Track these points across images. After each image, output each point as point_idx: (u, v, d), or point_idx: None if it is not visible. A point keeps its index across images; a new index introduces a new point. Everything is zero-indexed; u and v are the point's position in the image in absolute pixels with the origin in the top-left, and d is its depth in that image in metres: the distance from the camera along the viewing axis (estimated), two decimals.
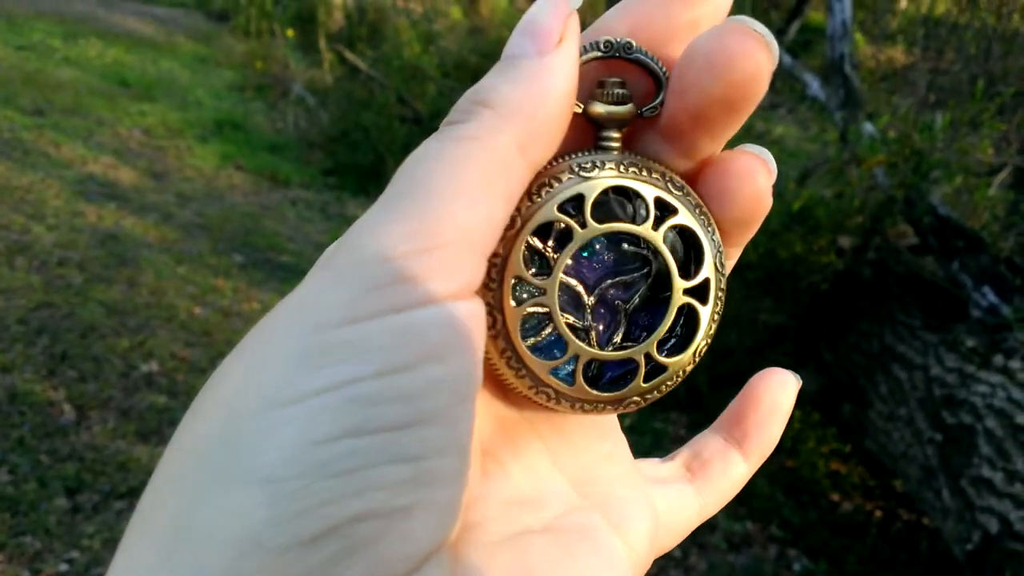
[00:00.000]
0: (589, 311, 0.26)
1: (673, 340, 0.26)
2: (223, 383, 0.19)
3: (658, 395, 0.27)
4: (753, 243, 2.97)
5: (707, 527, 2.54)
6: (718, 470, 0.30)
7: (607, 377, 0.26)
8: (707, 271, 0.25)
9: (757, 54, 0.21)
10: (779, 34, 5.68)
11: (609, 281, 0.26)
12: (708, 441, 0.31)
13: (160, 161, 4.57)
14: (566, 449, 0.28)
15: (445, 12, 8.20)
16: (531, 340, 0.25)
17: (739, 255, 0.28)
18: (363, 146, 5.63)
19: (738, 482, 0.30)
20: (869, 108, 3.56)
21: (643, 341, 0.26)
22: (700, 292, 0.26)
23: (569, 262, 0.25)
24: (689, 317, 0.26)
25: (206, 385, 0.20)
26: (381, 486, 0.18)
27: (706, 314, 0.26)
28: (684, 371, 0.27)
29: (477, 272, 0.21)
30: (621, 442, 0.30)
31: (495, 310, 0.24)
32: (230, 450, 0.18)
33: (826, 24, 3.89)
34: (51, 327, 2.49)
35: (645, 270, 0.26)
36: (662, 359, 0.26)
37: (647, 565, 0.27)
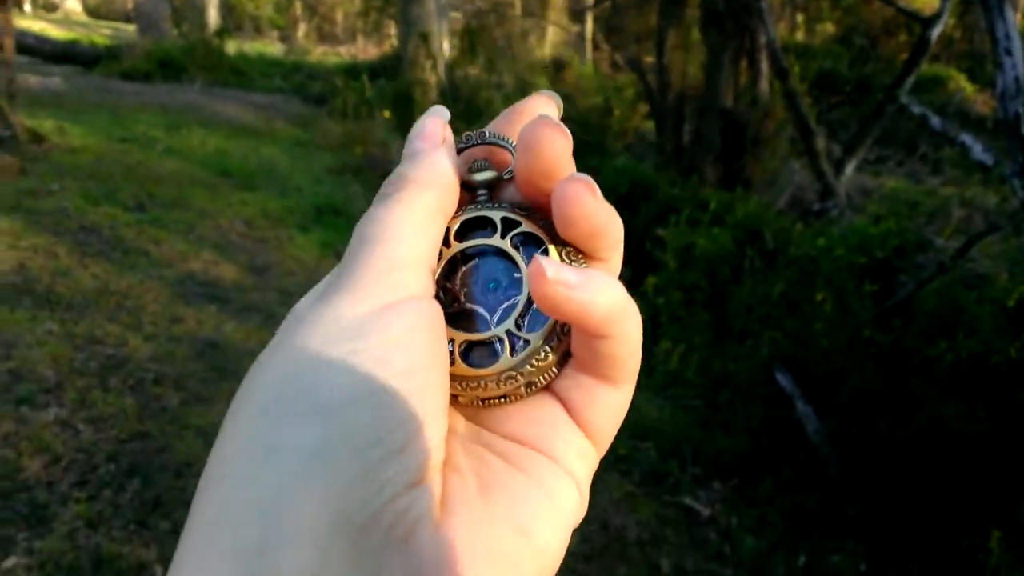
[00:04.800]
0: (470, 313, 0.31)
1: (530, 318, 0.31)
2: (277, 351, 0.26)
3: (533, 370, 0.30)
4: (953, 348, 2.49)
5: None
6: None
7: (481, 355, 0.31)
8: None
9: (557, 139, 0.29)
10: (892, 89, 5.19)
11: (482, 284, 0.32)
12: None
13: (261, 253, 4.38)
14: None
15: (534, 83, 8.07)
16: None
17: (620, 256, 0.32)
18: None
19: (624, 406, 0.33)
20: None
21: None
22: None
23: (460, 283, 0.32)
24: None
25: (261, 356, 0.27)
26: (394, 415, 0.25)
27: None
28: (550, 347, 0.30)
29: (427, 286, 0.29)
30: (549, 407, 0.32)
31: None
32: (292, 391, 0.25)
33: (996, 81, 3.41)
34: (143, 465, 2.20)
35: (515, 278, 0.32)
36: (523, 335, 0.30)
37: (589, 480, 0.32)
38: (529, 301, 0.31)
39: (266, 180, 5.87)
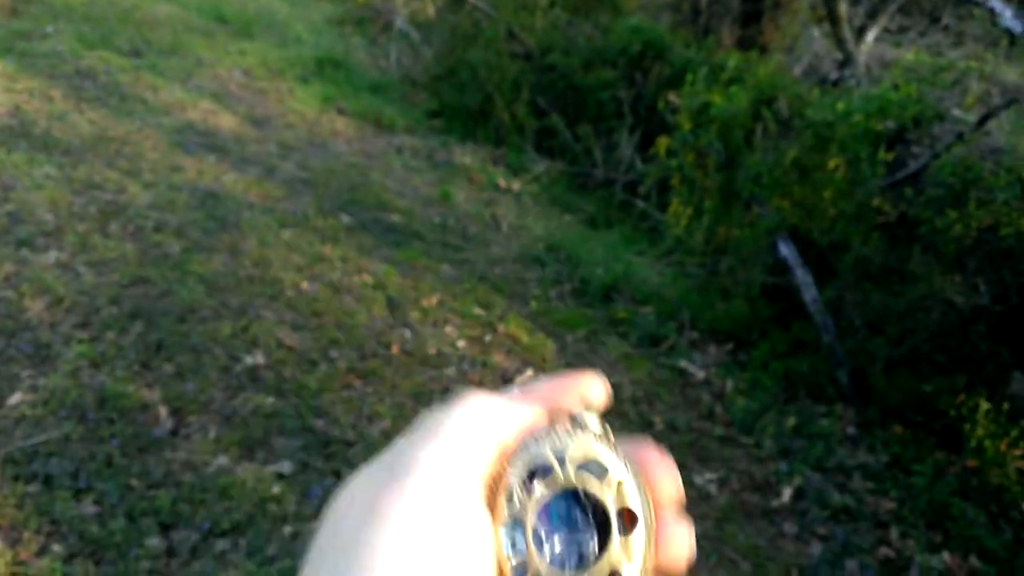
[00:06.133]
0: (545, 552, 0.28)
1: None
2: None
3: None
4: (962, 217, 2.45)
5: (899, 567, 2.12)
6: None
7: None
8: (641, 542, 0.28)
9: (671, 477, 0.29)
10: None
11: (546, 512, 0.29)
12: None
13: (261, 105, 4.27)
14: None
15: None
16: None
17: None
18: (470, 85, 5.20)
19: None
20: None
21: None
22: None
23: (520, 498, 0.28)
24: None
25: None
26: None
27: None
28: None
29: (484, 499, 0.28)
30: None
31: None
32: None
33: None
34: (146, 309, 2.21)
35: (593, 529, 0.28)
36: None
37: None
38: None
39: (264, 29, 5.66)
